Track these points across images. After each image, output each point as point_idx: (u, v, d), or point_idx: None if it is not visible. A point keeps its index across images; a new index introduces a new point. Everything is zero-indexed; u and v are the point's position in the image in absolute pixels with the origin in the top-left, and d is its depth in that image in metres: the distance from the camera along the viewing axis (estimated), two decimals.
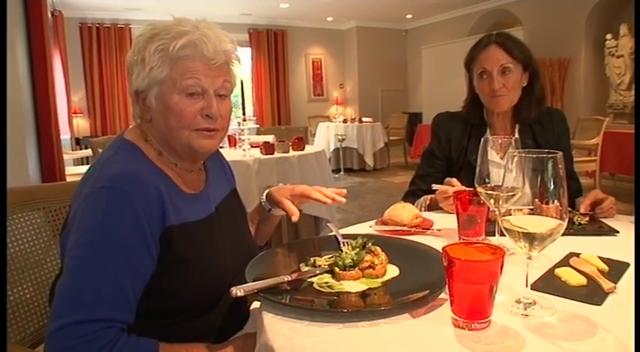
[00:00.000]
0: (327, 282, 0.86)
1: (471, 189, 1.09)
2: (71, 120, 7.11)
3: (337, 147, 7.22)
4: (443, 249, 0.70)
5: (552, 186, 0.69)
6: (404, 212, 1.23)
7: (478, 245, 0.74)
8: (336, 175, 6.75)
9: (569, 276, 0.84)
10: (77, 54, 7.99)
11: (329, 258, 0.94)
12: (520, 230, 0.72)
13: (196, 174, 1.02)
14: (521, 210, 0.73)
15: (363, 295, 0.82)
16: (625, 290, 0.80)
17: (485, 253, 0.70)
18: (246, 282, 0.81)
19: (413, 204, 1.39)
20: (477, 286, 0.67)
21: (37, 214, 1.12)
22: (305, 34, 10.11)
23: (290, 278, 0.85)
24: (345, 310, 0.76)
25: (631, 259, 0.93)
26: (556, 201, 0.70)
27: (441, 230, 1.19)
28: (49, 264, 1.13)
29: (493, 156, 1.04)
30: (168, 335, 0.84)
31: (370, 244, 0.93)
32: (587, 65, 7.00)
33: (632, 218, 1.26)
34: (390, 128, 8.24)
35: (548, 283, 0.84)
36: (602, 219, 1.26)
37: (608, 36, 6.41)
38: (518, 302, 0.74)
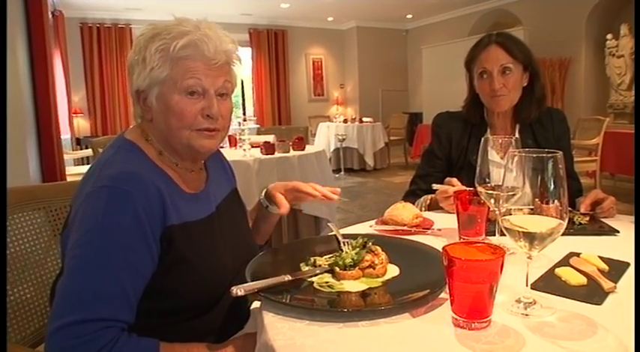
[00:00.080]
0: (327, 282, 0.86)
1: (471, 188, 1.09)
2: (72, 120, 7.12)
3: (337, 147, 7.22)
4: (443, 248, 0.70)
5: (552, 186, 0.69)
6: (404, 212, 1.23)
7: (478, 244, 0.74)
8: (337, 175, 6.76)
9: (570, 276, 0.84)
10: (78, 54, 8.00)
11: (329, 257, 0.94)
12: (520, 229, 0.72)
13: (197, 174, 1.02)
14: (521, 209, 0.73)
15: (364, 294, 0.82)
16: (625, 290, 0.80)
17: (486, 253, 0.70)
18: (246, 282, 0.81)
19: (413, 203, 1.39)
20: (477, 285, 0.67)
21: (38, 214, 1.12)
22: (305, 34, 10.11)
23: (290, 278, 0.85)
24: (346, 309, 0.76)
25: (631, 259, 0.93)
26: (556, 200, 0.70)
27: (442, 230, 1.19)
28: (49, 263, 1.13)
29: (493, 155, 1.04)
30: (169, 335, 0.84)
31: (370, 244, 0.93)
32: (587, 65, 7.00)
33: (633, 218, 1.26)
34: (390, 128, 8.24)
35: (549, 283, 0.84)
36: (603, 219, 1.26)
37: (609, 36, 6.41)
38: (519, 301, 0.75)
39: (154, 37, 0.90)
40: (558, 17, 7.18)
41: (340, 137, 7.04)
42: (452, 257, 0.67)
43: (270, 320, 0.75)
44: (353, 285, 0.85)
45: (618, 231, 1.14)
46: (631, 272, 0.88)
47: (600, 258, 0.93)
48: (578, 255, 0.95)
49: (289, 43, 9.95)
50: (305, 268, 0.92)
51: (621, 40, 6.23)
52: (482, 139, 1.02)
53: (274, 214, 1.18)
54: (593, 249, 0.98)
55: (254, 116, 9.36)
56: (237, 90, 1.04)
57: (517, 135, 1.52)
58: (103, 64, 8.25)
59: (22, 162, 2.62)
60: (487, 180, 0.98)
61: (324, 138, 7.59)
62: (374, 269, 0.88)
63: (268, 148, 3.42)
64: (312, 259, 0.95)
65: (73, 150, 6.43)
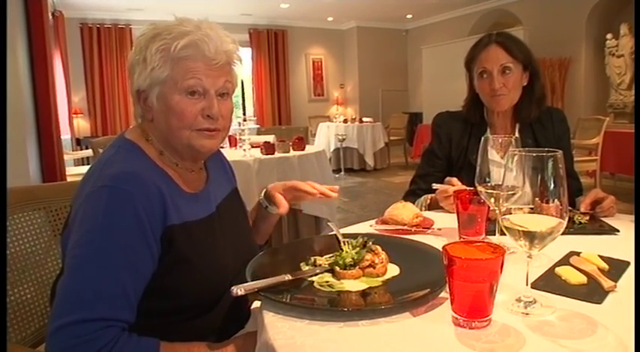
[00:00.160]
0: (327, 281, 0.86)
1: (471, 188, 1.09)
2: (72, 121, 7.12)
3: (338, 147, 7.23)
4: (443, 247, 0.70)
5: (552, 185, 0.69)
6: (404, 211, 1.23)
7: (478, 244, 0.74)
8: (337, 175, 6.76)
9: (570, 275, 0.85)
10: (78, 54, 8.00)
11: (329, 257, 0.94)
12: (520, 228, 0.72)
13: (197, 174, 1.02)
14: (521, 208, 0.73)
15: (364, 294, 0.82)
16: (625, 289, 0.80)
17: (486, 252, 0.71)
18: (246, 281, 0.81)
19: (413, 203, 1.39)
20: (478, 285, 0.67)
21: (38, 214, 1.12)
22: (305, 34, 10.11)
23: (290, 278, 0.85)
24: (346, 309, 0.77)
25: (631, 258, 0.93)
26: (556, 199, 0.70)
27: (442, 229, 1.19)
28: (49, 263, 1.13)
29: (493, 155, 1.04)
30: (169, 335, 0.84)
31: (371, 243, 0.93)
32: (587, 65, 7.00)
33: (633, 217, 1.26)
34: (390, 128, 8.24)
35: (549, 282, 0.84)
36: (603, 218, 1.26)
37: (609, 36, 6.41)
38: (519, 300, 0.75)
39: (155, 37, 0.90)
40: (558, 17, 7.18)
41: (340, 137, 7.04)
42: (452, 256, 0.67)
43: (271, 319, 0.75)
44: (353, 285, 0.85)
45: (618, 230, 1.15)
46: (631, 271, 0.88)
47: (600, 257, 0.93)
48: (578, 254, 0.95)
49: (289, 43, 9.94)
50: (305, 268, 0.92)
51: (621, 39, 6.23)
52: (482, 139, 1.02)
53: (274, 214, 1.18)
54: (593, 248, 0.98)
55: (254, 116, 9.35)
56: (238, 91, 1.04)
57: (517, 134, 1.52)
58: (103, 65, 8.25)
59: (22, 162, 2.62)
60: (487, 179, 0.98)
61: (324, 138, 7.59)
62: (374, 268, 0.88)
63: (268, 148, 3.42)
64: (312, 259, 0.95)
65: (73, 151, 6.43)
